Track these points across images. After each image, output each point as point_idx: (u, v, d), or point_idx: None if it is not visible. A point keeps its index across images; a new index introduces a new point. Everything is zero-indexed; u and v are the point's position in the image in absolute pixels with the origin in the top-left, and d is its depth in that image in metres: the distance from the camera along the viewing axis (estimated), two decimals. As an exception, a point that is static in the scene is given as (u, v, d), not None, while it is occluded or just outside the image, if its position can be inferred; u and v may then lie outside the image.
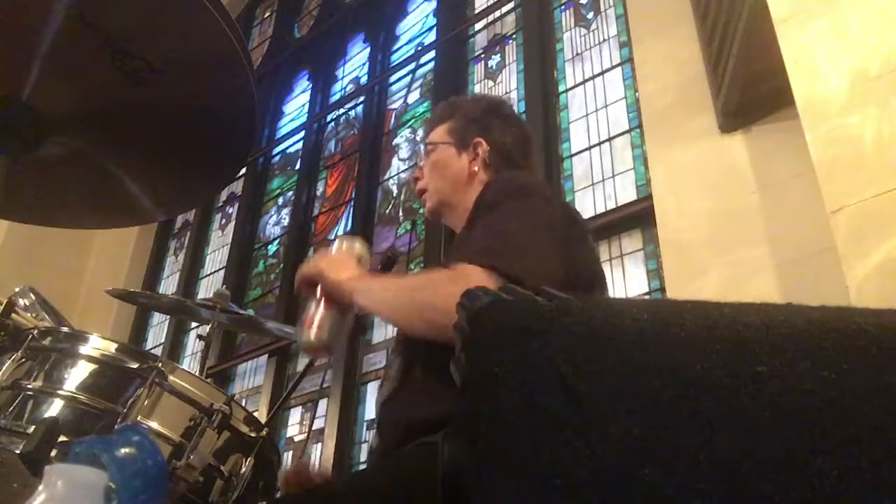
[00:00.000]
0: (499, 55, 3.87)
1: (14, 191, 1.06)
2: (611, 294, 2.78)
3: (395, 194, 4.00)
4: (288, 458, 3.42)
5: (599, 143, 3.14)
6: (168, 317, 4.59)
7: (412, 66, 4.33)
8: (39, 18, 0.93)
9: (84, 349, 1.15)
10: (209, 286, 4.72)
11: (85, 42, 0.94)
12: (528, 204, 1.11)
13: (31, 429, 1.00)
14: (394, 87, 4.41)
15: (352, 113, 4.63)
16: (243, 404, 1.30)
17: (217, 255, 4.87)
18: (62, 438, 0.99)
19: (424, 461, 0.89)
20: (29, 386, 1.10)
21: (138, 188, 1.22)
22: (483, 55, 3.96)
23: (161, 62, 0.99)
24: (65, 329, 1.21)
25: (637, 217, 2.81)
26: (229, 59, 0.99)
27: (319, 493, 1.08)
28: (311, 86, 5.04)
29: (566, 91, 3.38)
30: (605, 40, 3.37)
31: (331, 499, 1.01)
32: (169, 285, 5.03)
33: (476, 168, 1.31)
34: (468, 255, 1.01)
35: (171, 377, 1.14)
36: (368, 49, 4.70)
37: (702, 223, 2.44)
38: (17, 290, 1.33)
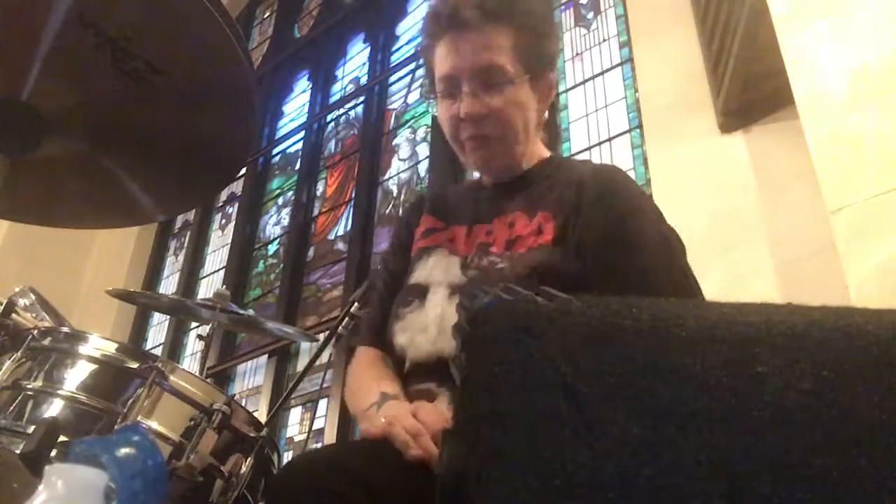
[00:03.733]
0: (499, 55, 3.87)
1: (14, 190, 1.06)
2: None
3: (395, 194, 4.00)
4: (288, 458, 3.42)
5: (599, 143, 3.14)
6: (168, 317, 4.59)
7: (412, 66, 4.32)
8: (39, 19, 0.93)
9: (84, 349, 1.15)
10: (209, 286, 4.72)
11: (85, 42, 0.94)
12: None
13: (31, 429, 0.99)
14: (394, 87, 4.41)
15: (352, 113, 4.63)
16: (243, 404, 1.30)
17: (217, 255, 4.87)
18: (62, 438, 0.99)
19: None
20: (29, 386, 1.10)
21: (138, 188, 1.22)
22: (483, 55, 3.95)
23: (161, 62, 0.99)
24: (65, 329, 1.21)
25: (637, 217, 2.80)
26: (229, 58, 0.99)
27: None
28: (311, 86, 5.04)
29: (566, 91, 3.38)
30: (605, 40, 3.37)
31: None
32: (169, 285, 5.02)
33: (539, 107, 1.10)
34: None
35: (171, 377, 1.13)
36: (368, 49, 4.70)
37: (702, 223, 2.44)
38: (17, 290, 1.33)
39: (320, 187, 4.52)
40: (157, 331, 4.82)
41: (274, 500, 0.82)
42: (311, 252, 4.29)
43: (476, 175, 1.24)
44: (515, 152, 1.09)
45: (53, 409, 1.07)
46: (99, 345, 1.16)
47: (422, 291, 1.08)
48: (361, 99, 4.54)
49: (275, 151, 5.01)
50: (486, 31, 1.03)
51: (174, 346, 4.57)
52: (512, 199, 1.10)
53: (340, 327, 1.53)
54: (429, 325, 1.03)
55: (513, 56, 1.03)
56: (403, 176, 3.99)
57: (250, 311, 3.51)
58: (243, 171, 4.82)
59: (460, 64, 1.03)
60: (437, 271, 1.09)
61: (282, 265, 4.35)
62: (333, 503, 0.73)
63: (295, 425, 3.62)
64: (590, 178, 1.05)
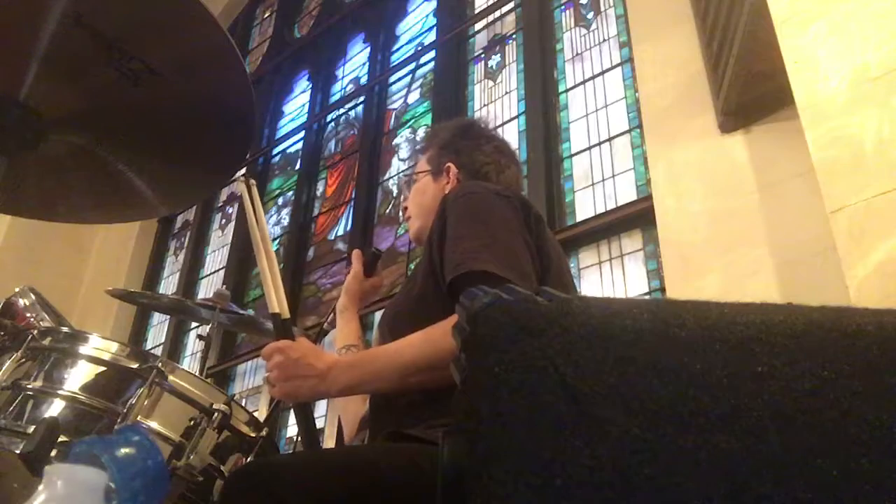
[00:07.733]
0: (499, 55, 3.87)
1: (16, 186, 1.06)
2: (611, 294, 2.79)
3: (395, 194, 4.00)
4: (288, 458, 3.42)
5: (599, 143, 3.14)
6: (168, 317, 4.59)
7: (412, 66, 4.32)
8: (35, 20, 0.93)
9: (84, 349, 1.15)
10: (209, 286, 4.72)
11: (82, 43, 0.94)
12: (491, 207, 1.17)
13: (31, 429, 1.00)
14: (394, 87, 4.41)
15: (352, 113, 4.63)
16: (243, 404, 1.30)
17: (217, 255, 4.87)
18: (62, 438, 0.99)
19: (427, 460, 0.88)
20: (29, 386, 1.10)
21: (141, 183, 1.22)
22: (483, 55, 3.96)
23: (158, 62, 0.99)
24: (65, 329, 1.21)
25: (637, 217, 2.81)
26: (225, 56, 0.99)
27: (319, 458, 1.05)
28: (311, 86, 5.04)
29: (566, 91, 3.38)
30: (605, 40, 3.37)
31: (330, 466, 0.98)
32: (169, 285, 5.02)
33: (447, 190, 1.37)
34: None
35: (171, 377, 1.14)
36: (368, 49, 4.70)
37: (702, 223, 2.44)
38: (17, 290, 1.33)
39: (320, 187, 4.52)
40: (157, 331, 4.82)
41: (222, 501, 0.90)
42: (311, 252, 4.29)
43: None
44: (421, 226, 1.41)
45: (53, 409, 1.07)
46: (99, 345, 1.16)
47: None
48: (361, 99, 4.54)
49: (275, 151, 5.01)
50: (418, 159, 1.53)
51: (174, 346, 4.57)
52: None
53: (325, 324, 1.56)
54: None
55: (424, 165, 1.47)
56: (403, 176, 3.99)
57: (250, 311, 3.51)
58: (243, 171, 4.82)
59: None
60: None
61: (282, 265, 4.35)
62: None
63: (295, 425, 3.62)
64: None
